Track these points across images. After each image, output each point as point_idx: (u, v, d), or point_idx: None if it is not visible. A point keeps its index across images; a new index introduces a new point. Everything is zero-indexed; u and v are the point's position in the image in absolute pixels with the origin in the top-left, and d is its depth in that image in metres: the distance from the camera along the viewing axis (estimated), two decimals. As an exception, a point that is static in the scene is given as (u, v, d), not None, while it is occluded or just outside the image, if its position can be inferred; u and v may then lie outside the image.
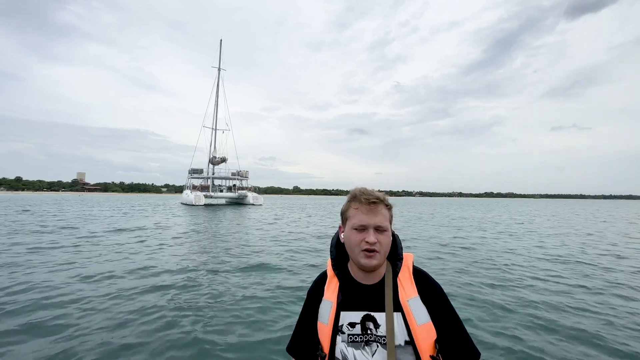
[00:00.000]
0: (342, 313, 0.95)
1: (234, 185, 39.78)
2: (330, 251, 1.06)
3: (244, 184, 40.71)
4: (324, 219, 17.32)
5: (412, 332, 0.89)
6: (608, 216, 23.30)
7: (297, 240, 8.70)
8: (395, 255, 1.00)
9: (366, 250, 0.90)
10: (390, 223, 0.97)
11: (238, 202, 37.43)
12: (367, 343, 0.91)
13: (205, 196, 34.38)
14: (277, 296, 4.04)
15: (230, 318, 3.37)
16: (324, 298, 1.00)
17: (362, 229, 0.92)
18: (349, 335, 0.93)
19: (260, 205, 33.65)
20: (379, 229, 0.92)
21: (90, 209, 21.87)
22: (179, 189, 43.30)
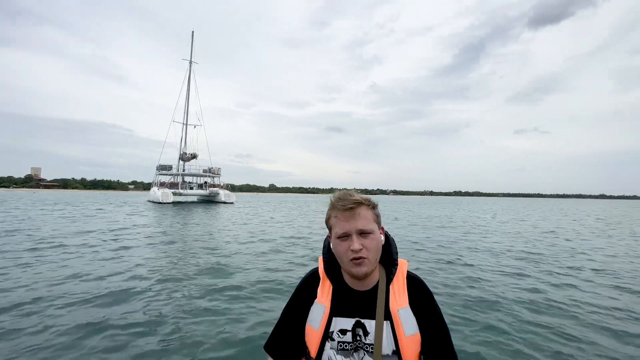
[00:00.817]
0: (334, 319, 0.92)
1: (205, 182, 38.60)
2: (323, 252, 1.01)
3: (216, 181, 39.69)
4: (297, 218, 17.33)
5: (399, 343, 0.87)
6: (560, 213, 25.41)
7: (266, 242, 8.57)
8: (390, 261, 0.96)
9: (353, 259, 0.86)
10: (378, 223, 0.92)
11: (209, 200, 36.40)
12: (355, 350, 0.90)
13: (175, 194, 33.08)
14: (244, 298, 3.96)
15: (199, 323, 3.22)
16: (316, 301, 0.95)
17: (346, 236, 0.88)
18: (339, 342, 0.90)
19: (232, 203, 32.95)
20: (362, 233, 0.87)
21: (41, 208, 20.25)
22: (147, 186, 41.17)
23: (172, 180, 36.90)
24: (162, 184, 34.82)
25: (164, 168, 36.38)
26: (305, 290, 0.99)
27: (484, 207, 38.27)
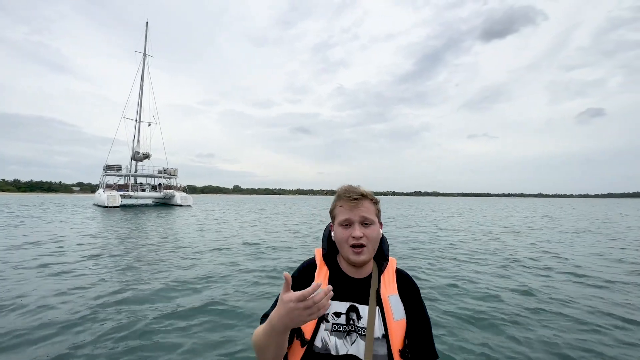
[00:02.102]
0: (330, 302, 0.97)
1: (160, 184, 36.33)
2: (322, 242, 1.10)
3: (173, 182, 37.57)
4: (259, 220, 16.98)
5: (388, 326, 0.94)
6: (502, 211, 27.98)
7: (219, 252, 8.20)
8: (382, 256, 1.06)
9: (353, 245, 0.94)
10: (379, 217, 1.01)
11: (164, 203, 34.32)
12: (349, 333, 0.94)
13: (124, 196, 30.68)
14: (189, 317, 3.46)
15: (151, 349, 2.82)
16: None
17: (348, 224, 0.96)
18: (333, 324, 0.95)
19: (189, 206, 31.37)
20: (364, 223, 0.95)
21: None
22: (95, 189, 37.13)
23: (121, 181, 34.19)
24: (109, 186, 32.05)
25: (111, 168, 33.49)
26: (304, 275, 1.04)
27: (443, 206, 40.80)
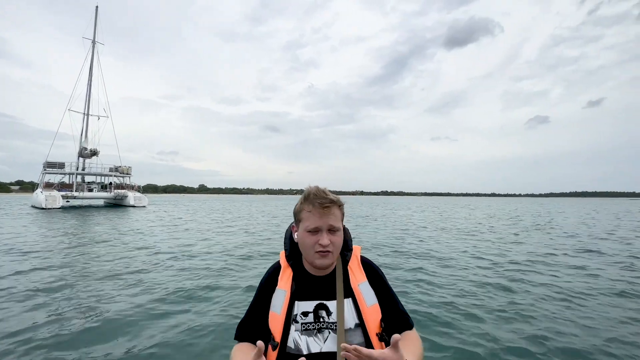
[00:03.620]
0: (296, 303, 0.97)
1: (110, 183, 33.61)
2: (284, 243, 1.10)
3: (127, 181, 34.96)
4: (219, 223, 16.28)
5: (362, 313, 0.96)
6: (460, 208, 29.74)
7: (170, 266, 7.72)
8: (345, 247, 1.05)
9: (320, 251, 0.94)
10: (342, 221, 1.01)
11: (116, 204, 31.80)
12: (320, 330, 0.94)
13: (66, 197, 27.89)
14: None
15: None
16: (277, 287, 1.01)
17: (316, 231, 0.94)
18: (302, 324, 0.95)
19: (144, 207, 29.28)
20: (331, 230, 0.95)
21: None
22: (36, 188, 33.07)
23: (64, 180, 31.06)
24: (48, 185, 28.93)
25: (53, 165, 30.21)
26: (268, 282, 1.05)
27: (410, 205, 42.40)
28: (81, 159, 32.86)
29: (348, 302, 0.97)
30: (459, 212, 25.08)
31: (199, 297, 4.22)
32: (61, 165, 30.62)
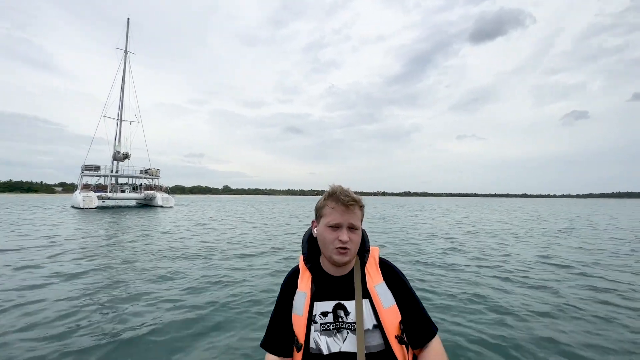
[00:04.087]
0: (315, 303, 1.00)
1: (141, 184, 35.48)
2: (302, 247, 1.12)
3: (155, 183, 36.76)
4: (240, 225, 16.67)
5: (379, 315, 0.96)
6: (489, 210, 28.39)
7: (182, 259, 8.01)
8: (362, 248, 1.07)
9: (339, 247, 0.97)
10: (361, 221, 1.03)
11: (145, 204, 33.53)
12: (339, 330, 0.96)
13: (102, 198, 29.80)
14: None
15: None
16: (297, 290, 1.05)
17: (337, 227, 0.98)
18: (321, 324, 0.98)
19: (171, 207, 30.67)
20: (351, 228, 0.98)
21: None
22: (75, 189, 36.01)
23: (100, 182, 33.20)
24: (86, 187, 31.05)
25: (89, 168, 32.43)
26: (289, 285, 1.09)
27: (436, 206, 41.19)
28: (115, 162, 34.97)
29: (366, 303, 0.98)
30: (503, 213, 23.92)
31: (222, 294, 4.27)
32: (97, 168, 32.78)
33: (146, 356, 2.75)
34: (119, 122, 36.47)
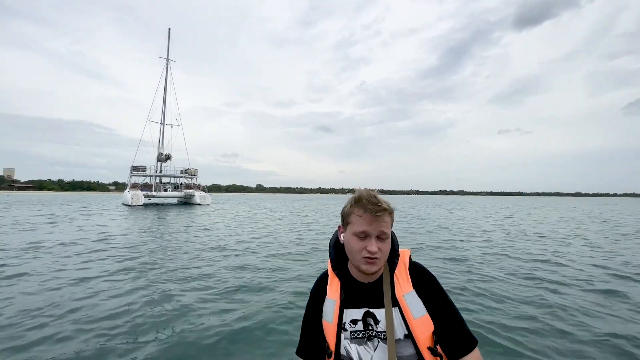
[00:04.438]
0: (345, 311, 0.98)
1: (181, 184, 37.87)
2: (329, 252, 1.08)
3: (194, 182, 39.02)
4: (272, 223, 17.03)
5: (410, 325, 0.92)
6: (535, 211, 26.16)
7: (214, 250, 8.30)
8: (392, 253, 1.01)
9: (367, 257, 0.92)
10: (391, 227, 0.98)
11: (185, 202, 35.73)
12: (369, 339, 0.94)
13: (147, 196, 32.27)
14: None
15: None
16: (327, 297, 1.03)
17: (364, 236, 0.93)
18: (351, 332, 0.96)
19: (208, 205, 32.40)
20: (380, 237, 0.93)
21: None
22: (124, 188, 40.21)
23: (146, 181, 35.98)
24: (134, 186, 33.83)
25: (137, 169, 35.37)
26: (317, 292, 1.07)
27: (476, 205, 39.00)
28: (158, 163, 37.71)
29: (396, 312, 0.94)
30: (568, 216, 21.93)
31: (256, 293, 4.35)
32: (143, 169, 35.59)
33: (188, 349, 2.85)
34: (162, 126, 39.28)
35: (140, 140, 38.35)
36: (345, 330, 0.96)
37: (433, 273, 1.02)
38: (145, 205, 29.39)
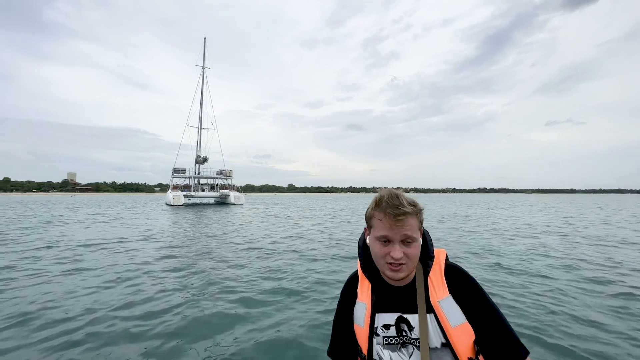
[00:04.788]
0: (377, 315, 0.94)
1: (217, 184, 39.80)
2: (358, 253, 1.02)
3: (229, 182, 40.80)
4: (301, 221, 17.20)
5: (447, 334, 0.85)
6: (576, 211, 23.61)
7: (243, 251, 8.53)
8: (425, 254, 0.94)
9: (391, 263, 0.86)
10: (421, 229, 0.90)
11: (221, 202, 37.49)
12: (403, 345, 0.90)
13: (186, 196, 34.34)
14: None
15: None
16: (357, 300, 0.98)
17: (386, 241, 0.86)
18: (384, 337, 0.92)
19: (242, 204, 33.71)
20: (405, 242, 0.86)
21: (61, 213, 21.68)
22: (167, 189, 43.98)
23: (186, 182, 38.33)
24: (175, 187, 36.27)
25: (177, 171, 37.87)
26: (347, 294, 1.03)
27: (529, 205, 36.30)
28: (196, 165, 40.02)
29: (431, 318, 0.87)
30: None
31: (290, 291, 4.40)
32: (182, 171, 37.99)
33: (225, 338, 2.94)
34: (199, 130, 41.60)
35: (180, 144, 41.00)
36: (378, 335, 0.92)
37: (473, 276, 0.93)
38: (186, 205, 31.34)
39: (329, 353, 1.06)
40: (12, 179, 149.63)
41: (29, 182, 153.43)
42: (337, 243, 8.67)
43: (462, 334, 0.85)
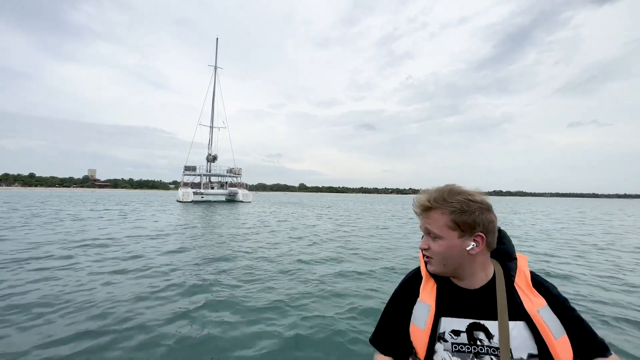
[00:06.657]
0: (442, 319, 0.86)
1: (226, 182, 40.54)
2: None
3: (238, 180, 41.49)
4: (301, 219, 17.22)
5: (550, 347, 0.78)
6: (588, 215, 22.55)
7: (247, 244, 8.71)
8: (505, 255, 0.89)
9: (424, 254, 0.90)
10: (463, 230, 0.83)
11: (230, 199, 38.19)
12: (477, 355, 0.81)
13: (196, 193, 35.19)
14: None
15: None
16: (419, 299, 0.91)
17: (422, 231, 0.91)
18: (453, 344, 0.83)
19: (249, 202, 34.25)
20: (430, 234, 0.87)
21: (81, 208, 22.53)
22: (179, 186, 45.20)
23: (197, 180, 39.27)
24: (186, 184, 37.24)
25: (188, 169, 38.81)
26: (407, 289, 0.96)
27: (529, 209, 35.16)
28: (207, 163, 40.89)
29: (518, 326, 0.80)
30: None
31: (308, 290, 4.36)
32: (193, 169, 38.91)
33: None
34: (210, 129, 42.49)
35: (192, 142, 41.97)
36: (446, 341, 0.84)
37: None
38: (194, 202, 32.12)
39: (373, 341, 0.98)
40: (37, 175, 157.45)
41: (52, 177, 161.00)
42: (344, 245, 8.65)
43: (565, 348, 0.78)
